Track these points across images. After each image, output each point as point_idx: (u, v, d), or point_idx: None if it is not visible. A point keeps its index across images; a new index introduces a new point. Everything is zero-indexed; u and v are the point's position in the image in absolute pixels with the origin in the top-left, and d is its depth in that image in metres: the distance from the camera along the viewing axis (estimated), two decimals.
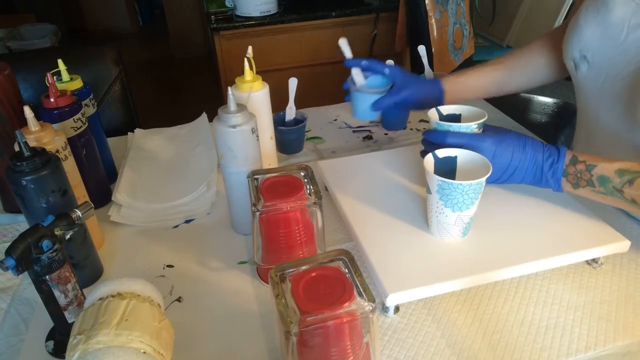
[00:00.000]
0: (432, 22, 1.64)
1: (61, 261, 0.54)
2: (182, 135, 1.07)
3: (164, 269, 0.72)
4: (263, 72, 0.84)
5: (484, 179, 0.61)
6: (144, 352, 0.44)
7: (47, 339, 0.60)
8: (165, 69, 4.10)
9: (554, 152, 0.66)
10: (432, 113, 0.73)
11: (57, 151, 0.65)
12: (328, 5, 1.88)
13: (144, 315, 0.48)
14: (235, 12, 1.82)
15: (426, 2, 1.61)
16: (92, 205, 0.59)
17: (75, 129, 0.76)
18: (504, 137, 0.68)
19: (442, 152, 0.67)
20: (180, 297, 0.66)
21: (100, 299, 0.49)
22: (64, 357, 0.56)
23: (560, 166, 0.65)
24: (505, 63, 0.91)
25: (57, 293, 0.55)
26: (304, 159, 0.99)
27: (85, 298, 0.57)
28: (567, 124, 1.46)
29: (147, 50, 4.53)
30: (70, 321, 0.57)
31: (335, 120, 1.14)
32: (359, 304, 0.44)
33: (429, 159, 0.66)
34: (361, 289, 0.45)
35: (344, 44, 0.86)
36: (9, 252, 0.49)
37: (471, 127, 0.69)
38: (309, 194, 0.62)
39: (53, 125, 0.69)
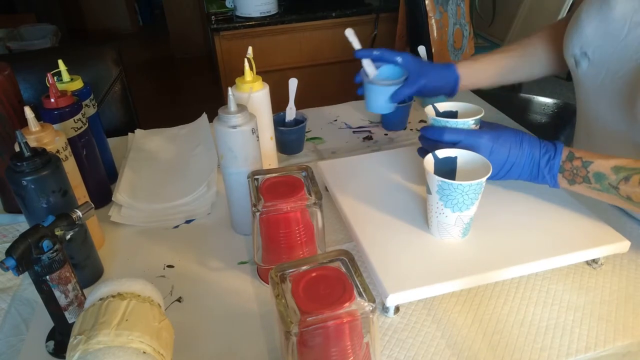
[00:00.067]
0: (432, 22, 1.64)
1: (61, 261, 0.54)
2: (182, 135, 1.07)
3: (164, 269, 0.72)
4: (263, 73, 0.84)
5: (484, 179, 0.61)
6: (144, 352, 0.45)
7: (48, 339, 0.60)
8: (165, 69, 4.10)
9: (551, 148, 0.66)
10: (429, 110, 0.73)
11: (58, 151, 0.65)
12: (328, 5, 1.88)
13: (144, 315, 0.48)
14: (235, 13, 1.83)
15: (426, 2, 1.61)
16: (93, 206, 0.59)
17: (76, 129, 0.76)
18: (501, 133, 0.68)
19: (442, 153, 0.67)
20: (180, 297, 0.66)
21: (101, 299, 0.49)
22: (64, 357, 0.56)
23: (556, 162, 0.66)
24: (514, 51, 0.90)
25: (57, 293, 0.55)
26: (304, 160, 0.99)
27: (85, 298, 0.57)
28: (567, 124, 1.46)
29: (147, 50, 4.53)
30: (70, 321, 0.57)
31: (336, 120, 1.14)
32: (359, 304, 0.44)
33: (429, 159, 0.66)
34: (361, 289, 0.45)
35: (350, 34, 0.83)
36: (9, 253, 0.49)
37: (468, 123, 0.69)
38: (309, 194, 0.62)
39: (53, 125, 0.69)
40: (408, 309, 0.63)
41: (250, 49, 0.80)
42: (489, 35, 2.14)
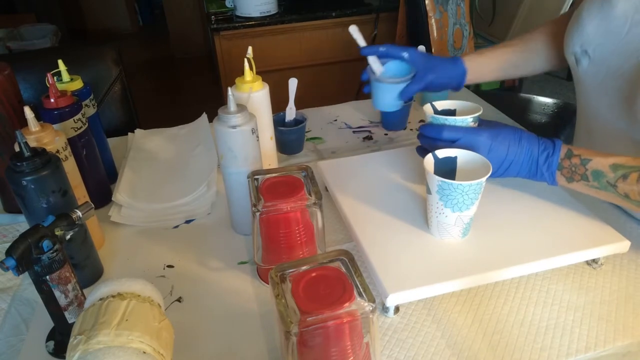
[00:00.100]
0: (432, 22, 1.64)
1: (61, 261, 0.54)
2: (182, 135, 1.07)
3: (164, 269, 0.72)
4: (263, 73, 0.84)
5: (484, 179, 0.61)
6: (144, 352, 0.45)
7: (48, 339, 0.60)
8: (165, 69, 4.10)
9: (549, 145, 0.66)
10: (427, 108, 0.73)
11: (58, 151, 0.65)
12: (328, 5, 1.88)
13: (144, 315, 0.48)
14: (235, 13, 1.83)
15: (426, 2, 1.61)
16: (93, 206, 0.59)
17: (76, 129, 0.76)
18: (500, 131, 0.68)
19: (442, 153, 0.67)
20: (180, 297, 0.66)
21: (101, 299, 0.49)
22: (64, 358, 0.56)
23: (555, 159, 0.66)
24: (516, 46, 0.90)
25: (57, 293, 0.55)
26: (304, 160, 0.99)
27: (85, 298, 0.57)
28: (567, 124, 1.46)
29: (147, 50, 4.53)
30: (70, 321, 0.57)
31: (335, 120, 1.14)
32: (359, 304, 0.44)
33: (429, 159, 0.66)
34: (361, 289, 0.45)
35: (355, 31, 0.81)
36: (9, 253, 0.49)
37: (467, 120, 0.69)
38: (309, 194, 0.62)
39: (53, 125, 0.69)
40: (408, 309, 0.63)
41: (250, 49, 0.80)
42: (488, 35, 2.14)
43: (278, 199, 0.60)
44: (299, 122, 0.99)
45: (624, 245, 0.65)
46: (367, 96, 1.22)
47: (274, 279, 0.46)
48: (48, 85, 0.73)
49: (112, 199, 0.84)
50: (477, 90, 1.91)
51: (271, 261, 0.65)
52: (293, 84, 0.97)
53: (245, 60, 0.78)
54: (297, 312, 0.43)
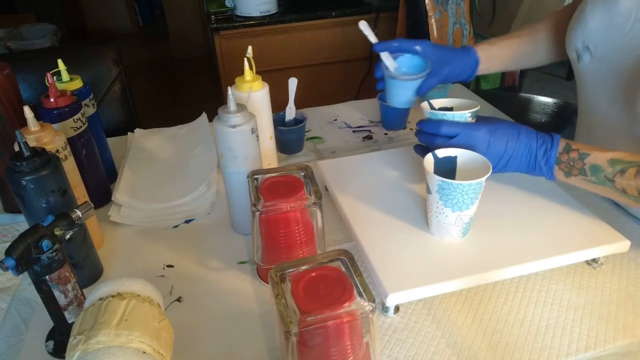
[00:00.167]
0: (432, 22, 1.64)
1: (61, 261, 0.54)
2: (182, 135, 1.07)
3: (164, 269, 0.72)
4: (263, 72, 0.84)
5: (483, 179, 0.61)
6: (144, 352, 0.44)
7: (47, 339, 0.60)
8: (165, 69, 4.10)
9: (548, 139, 0.66)
10: (425, 105, 0.73)
11: (57, 151, 0.65)
12: (328, 5, 1.88)
13: (144, 315, 0.48)
14: (235, 12, 1.83)
15: (426, 2, 1.61)
16: (92, 205, 0.59)
17: (75, 129, 0.76)
18: (499, 126, 0.68)
19: (442, 152, 0.67)
20: (180, 297, 0.66)
21: (100, 299, 0.49)
22: (64, 357, 0.56)
23: (553, 153, 0.66)
24: (526, 37, 0.90)
25: (57, 293, 0.55)
26: (304, 159, 0.99)
27: (85, 298, 0.57)
28: (567, 123, 1.46)
29: (147, 50, 4.53)
30: (70, 321, 0.57)
31: (335, 120, 1.14)
32: (359, 304, 0.44)
33: (429, 159, 0.66)
34: (361, 289, 0.45)
35: (365, 27, 0.79)
36: (9, 252, 0.49)
37: (465, 115, 0.69)
38: (309, 194, 0.62)
39: (53, 125, 0.69)
40: (408, 308, 0.63)
41: (250, 49, 0.80)
42: (488, 34, 2.14)
43: (278, 199, 0.60)
44: (298, 121, 0.99)
45: (624, 245, 0.65)
46: (367, 96, 1.23)
47: (273, 279, 0.46)
48: (48, 85, 0.73)
49: (112, 198, 0.84)
50: (477, 89, 1.92)
51: (271, 261, 0.65)
52: (293, 83, 0.97)
53: (245, 59, 0.78)
54: (297, 312, 0.43)
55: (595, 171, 0.63)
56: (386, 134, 1.07)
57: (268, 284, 0.47)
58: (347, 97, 1.31)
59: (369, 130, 1.09)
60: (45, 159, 0.59)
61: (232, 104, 0.67)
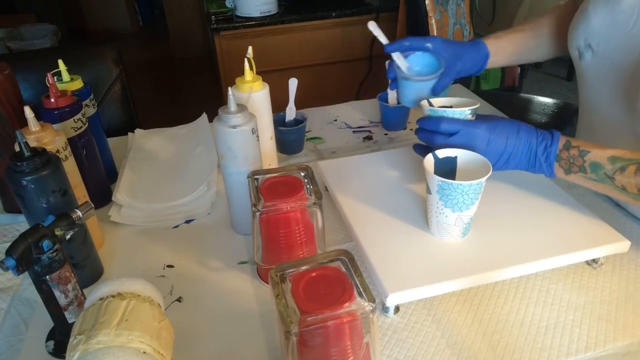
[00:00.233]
0: (432, 22, 1.64)
1: (61, 261, 0.54)
2: (182, 135, 1.07)
3: (164, 269, 0.72)
4: (263, 73, 0.84)
5: (484, 179, 0.61)
6: (144, 352, 0.45)
7: (47, 339, 0.60)
8: (165, 69, 4.10)
9: (548, 136, 0.66)
10: (424, 104, 0.73)
11: (58, 151, 0.65)
12: (328, 5, 1.88)
13: (144, 315, 0.48)
14: (235, 13, 1.83)
15: (426, 2, 1.61)
16: (93, 206, 0.59)
17: (76, 129, 0.76)
18: (498, 123, 0.68)
19: (442, 153, 0.67)
20: (180, 297, 0.66)
21: (101, 299, 0.49)
22: (64, 357, 0.56)
23: (553, 150, 0.65)
24: (530, 31, 0.90)
25: (57, 293, 0.55)
26: (304, 159, 0.99)
27: (85, 298, 0.57)
28: (567, 124, 1.46)
29: (147, 50, 4.53)
30: (70, 321, 0.57)
31: (335, 120, 1.14)
32: (359, 304, 0.44)
33: (429, 159, 0.66)
34: (361, 289, 0.45)
35: (374, 27, 0.79)
36: (9, 252, 0.49)
37: (465, 112, 0.69)
38: (309, 194, 0.62)
39: (53, 125, 0.69)
40: (408, 308, 0.63)
41: (250, 49, 0.80)
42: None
43: (278, 199, 0.60)
44: (299, 122, 0.99)
45: (624, 245, 0.65)
46: (367, 96, 1.23)
47: (274, 279, 0.46)
48: (48, 85, 0.73)
49: (112, 198, 0.84)
50: (477, 89, 1.92)
51: (271, 261, 0.65)
52: (293, 84, 0.97)
53: (246, 60, 0.78)
54: (297, 312, 0.43)
55: (595, 168, 0.63)
56: (386, 134, 1.07)
57: (268, 284, 0.47)
58: (347, 97, 1.31)
59: (369, 131, 1.09)
60: (45, 159, 0.59)
61: (232, 105, 0.67)
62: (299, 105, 1.00)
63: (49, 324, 0.59)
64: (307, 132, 1.05)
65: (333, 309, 0.43)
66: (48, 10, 3.96)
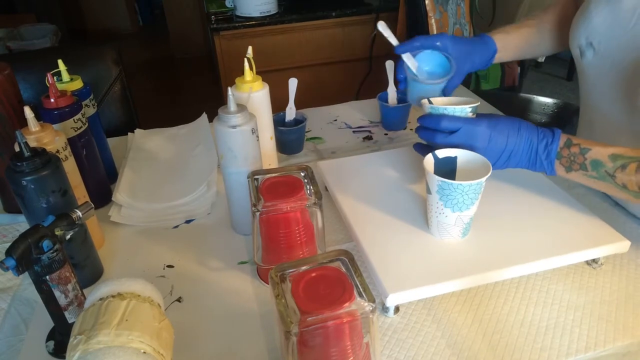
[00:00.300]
0: (432, 22, 1.64)
1: (61, 261, 0.54)
2: (182, 135, 1.07)
3: (164, 269, 0.72)
4: (263, 73, 0.84)
5: (483, 179, 0.61)
6: (144, 352, 0.45)
7: (47, 339, 0.60)
8: (165, 69, 4.10)
9: (549, 134, 0.66)
10: (425, 102, 0.73)
11: (58, 151, 0.65)
12: (328, 5, 1.88)
13: (144, 315, 0.48)
14: (235, 13, 1.83)
15: (426, 2, 1.61)
16: (93, 206, 0.59)
17: (76, 129, 0.76)
18: (499, 120, 0.68)
19: (442, 153, 0.67)
20: (180, 297, 0.66)
21: (101, 299, 0.49)
22: (64, 357, 0.56)
23: (554, 148, 0.65)
24: (533, 26, 0.90)
25: (57, 293, 0.55)
26: (304, 159, 0.99)
27: (85, 298, 0.57)
28: (567, 124, 1.46)
29: (147, 50, 4.53)
30: (70, 321, 0.57)
31: (335, 120, 1.14)
32: (359, 304, 0.44)
33: (429, 159, 0.66)
34: (361, 289, 0.45)
35: (384, 28, 0.78)
36: (9, 253, 0.49)
37: (465, 110, 0.69)
38: (309, 194, 0.62)
39: (53, 125, 0.69)
40: (408, 309, 0.63)
41: (250, 49, 0.80)
42: None
43: (278, 199, 0.60)
44: (299, 122, 0.99)
45: (624, 245, 0.65)
46: (367, 96, 1.23)
47: (274, 279, 0.46)
48: (48, 85, 0.73)
49: (112, 199, 0.84)
50: (477, 89, 1.92)
51: (271, 261, 0.65)
52: (293, 84, 0.97)
53: (245, 60, 0.78)
54: (297, 312, 0.43)
55: (596, 166, 0.63)
56: (386, 134, 1.07)
57: (268, 284, 0.48)
58: (347, 97, 1.31)
59: (369, 131, 1.09)
60: (45, 159, 0.59)
61: (232, 105, 0.67)
62: (299, 105, 1.00)
63: (49, 324, 0.59)
64: (307, 132, 1.05)
65: (333, 309, 0.43)
66: (48, 10, 3.96)
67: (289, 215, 0.61)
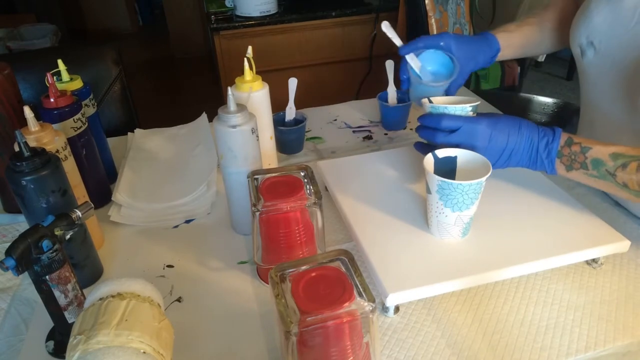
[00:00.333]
0: (432, 22, 1.64)
1: (61, 261, 0.54)
2: (182, 135, 1.07)
3: (164, 269, 0.72)
4: (263, 72, 0.84)
5: (483, 179, 0.61)
6: (144, 352, 0.45)
7: (47, 339, 0.60)
8: (165, 69, 4.10)
9: (549, 132, 0.66)
10: (425, 102, 0.73)
11: (57, 151, 0.65)
12: (328, 5, 1.88)
13: (144, 315, 0.48)
14: (235, 12, 1.83)
15: (426, 2, 1.61)
16: (92, 205, 0.59)
17: (75, 129, 0.76)
18: (499, 119, 0.68)
19: (442, 152, 0.67)
20: (180, 297, 0.66)
21: (100, 299, 0.49)
22: (64, 357, 0.56)
23: (555, 146, 0.65)
24: (534, 25, 0.90)
25: (57, 293, 0.55)
26: (304, 159, 0.99)
27: (85, 298, 0.57)
28: (567, 123, 1.46)
29: (147, 50, 4.53)
30: (70, 321, 0.57)
31: (335, 120, 1.14)
32: (359, 304, 0.44)
33: (429, 159, 0.66)
34: (361, 289, 0.45)
35: (388, 29, 0.79)
36: (9, 252, 0.49)
37: (466, 109, 0.69)
38: (309, 194, 0.62)
39: (53, 125, 0.69)
40: (408, 308, 0.63)
41: (250, 49, 0.80)
42: None
43: (278, 199, 0.60)
44: (298, 121, 0.99)
45: (624, 245, 0.65)
46: (367, 96, 1.23)
47: (273, 279, 0.46)
48: (48, 85, 0.73)
49: (112, 198, 0.84)
50: (477, 89, 1.92)
51: (271, 261, 0.65)
52: (293, 83, 0.97)
53: (245, 60, 0.78)
54: (297, 312, 0.43)
55: (597, 165, 0.63)
56: (386, 134, 1.07)
57: (268, 284, 0.47)
58: (347, 97, 1.31)
59: (369, 131, 1.09)
60: (45, 159, 0.59)
61: (232, 104, 0.67)
62: (298, 105, 1.00)
63: (49, 324, 0.59)
64: (307, 132, 1.05)
65: (333, 309, 0.43)
66: (48, 10, 3.96)
67: (288, 215, 0.61)
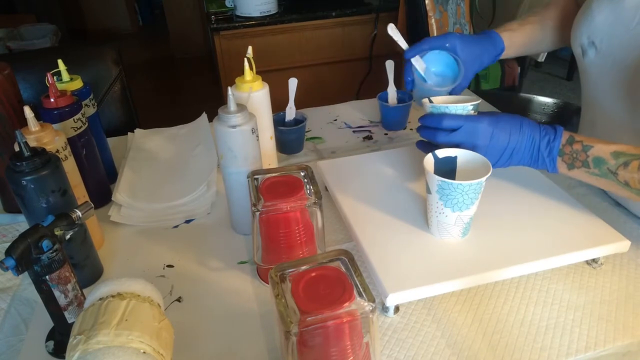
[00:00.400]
0: (432, 22, 1.64)
1: (61, 261, 0.54)
2: (182, 135, 1.07)
3: (164, 269, 0.72)
4: (263, 72, 0.84)
5: (484, 179, 0.61)
6: (144, 352, 0.45)
7: (47, 339, 0.60)
8: (165, 69, 4.10)
9: (551, 130, 0.66)
10: (426, 101, 0.73)
11: (57, 151, 0.65)
12: (328, 5, 1.88)
13: (144, 315, 0.48)
14: (235, 12, 1.83)
15: (426, 2, 1.61)
16: (92, 205, 0.59)
17: (75, 129, 0.76)
18: (500, 118, 0.67)
19: (442, 152, 0.67)
20: (180, 297, 0.66)
21: (100, 299, 0.49)
22: (64, 357, 0.56)
23: (556, 145, 0.65)
24: (536, 23, 0.90)
25: (57, 293, 0.55)
26: (304, 159, 0.99)
27: (85, 298, 0.57)
28: (567, 123, 1.46)
29: (147, 50, 4.53)
30: (70, 321, 0.57)
31: (335, 120, 1.14)
32: (359, 304, 0.44)
33: (429, 159, 0.66)
34: (361, 289, 0.45)
35: (394, 31, 0.79)
36: (9, 252, 0.49)
37: (467, 108, 0.69)
38: (309, 194, 0.62)
39: (53, 125, 0.69)
40: (408, 308, 0.63)
41: (250, 49, 0.80)
42: None
43: (278, 199, 0.60)
44: (299, 121, 0.99)
45: (624, 245, 0.65)
46: (367, 96, 1.23)
47: (273, 279, 0.46)
48: (48, 85, 0.73)
49: (112, 198, 0.84)
50: (477, 89, 1.92)
51: (271, 261, 0.65)
52: (293, 83, 0.97)
53: (245, 60, 0.78)
54: (297, 312, 0.43)
55: (599, 163, 0.63)
56: (386, 134, 1.07)
57: (268, 284, 0.47)
58: (347, 97, 1.31)
59: (369, 131, 1.09)
60: (45, 159, 0.59)
61: (232, 104, 0.67)
62: (299, 105, 1.00)
63: (49, 324, 0.59)
64: (307, 132, 1.05)
65: (333, 309, 0.43)
66: (48, 10, 3.96)
67: (288, 215, 0.61)
